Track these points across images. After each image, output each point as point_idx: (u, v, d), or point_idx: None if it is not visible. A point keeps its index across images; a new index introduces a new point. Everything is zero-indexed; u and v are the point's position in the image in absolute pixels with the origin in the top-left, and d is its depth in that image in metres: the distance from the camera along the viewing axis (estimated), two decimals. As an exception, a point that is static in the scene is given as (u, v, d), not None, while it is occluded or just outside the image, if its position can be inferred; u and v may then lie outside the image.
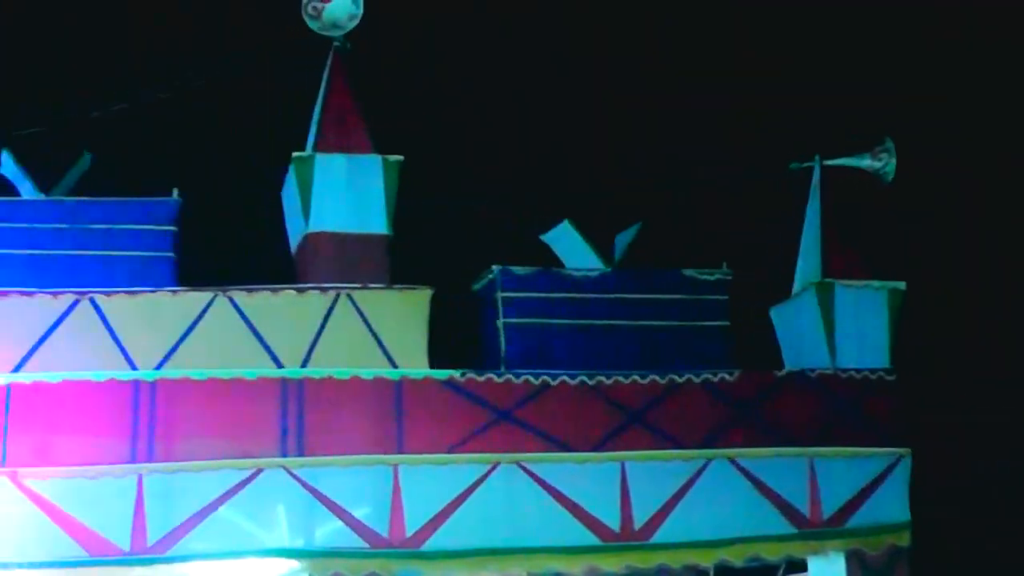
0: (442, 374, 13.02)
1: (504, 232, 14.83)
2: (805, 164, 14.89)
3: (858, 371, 13.90)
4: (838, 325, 14.05)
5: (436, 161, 15.25)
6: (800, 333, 14.40)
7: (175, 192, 13.47)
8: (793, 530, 13.35)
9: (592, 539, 12.93)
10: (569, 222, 14.18)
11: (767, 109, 16.71)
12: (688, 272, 14.05)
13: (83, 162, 13.86)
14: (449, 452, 12.82)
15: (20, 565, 12.10)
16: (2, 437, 12.31)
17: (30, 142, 14.23)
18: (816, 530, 13.40)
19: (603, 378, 13.25)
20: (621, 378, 13.29)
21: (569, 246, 14.10)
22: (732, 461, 13.32)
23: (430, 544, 12.62)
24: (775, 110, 16.72)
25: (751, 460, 13.38)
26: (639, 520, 13.04)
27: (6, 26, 16.16)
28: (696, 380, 13.50)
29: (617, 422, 13.22)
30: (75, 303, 12.84)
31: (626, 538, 12.98)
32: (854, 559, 13.47)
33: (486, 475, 12.82)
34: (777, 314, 14.76)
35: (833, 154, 14.84)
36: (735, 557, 13.19)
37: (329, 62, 14.14)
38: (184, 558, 12.28)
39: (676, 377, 13.42)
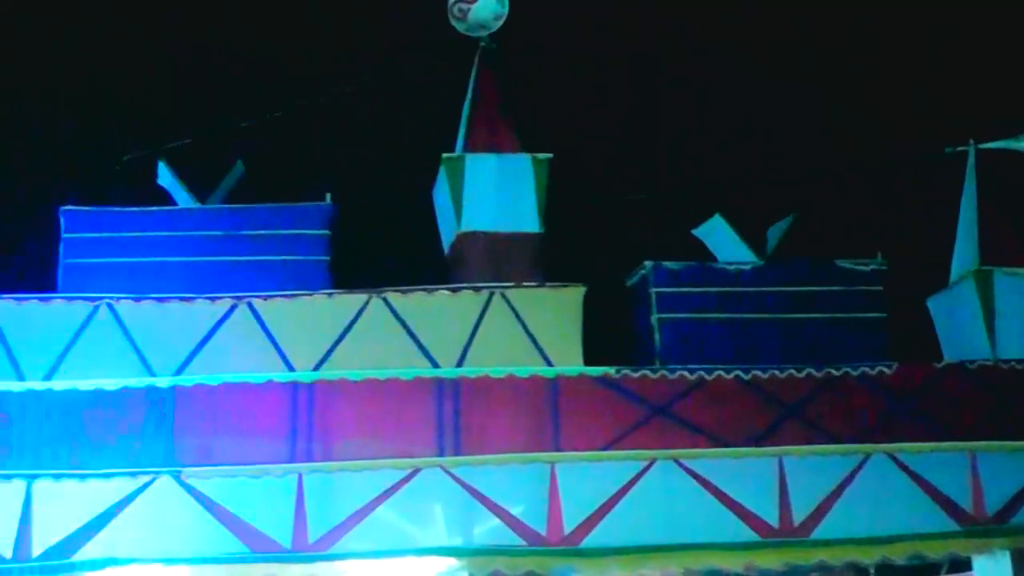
0: (597, 371, 12.98)
1: (656, 227, 14.73)
2: (960, 148, 14.56)
3: (1020, 362, 13.48)
4: (998, 314, 13.69)
5: (586, 157, 15.20)
6: (959, 323, 14.08)
7: (328, 197, 13.71)
8: (956, 527, 12.98)
9: (751, 535, 12.75)
10: (720, 215, 14.10)
11: (919, 94, 16.33)
12: (842, 263, 13.82)
13: (236, 170, 14.15)
14: (605, 449, 12.76)
15: (186, 561, 12.33)
16: (166, 438, 12.58)
17: (184, 152, 14.55)
18: (980, 527, 13.01)
19: (759, 372, 13.07)
20: (777, 372, 13.10)
21: (721, 240, 14.01)
22: (891, 456, 13.02)
23: (588, 541, 12.57)
24: (927, 95, 16.35)
25: (911, 455, 13.05)
26: (798, 516, 12.82)
27: (158, 42, 16.52)
28: (853, 373, 13.24)
29: (774, 416, 13.02)
30: (233, 308, 13.09)
31: (785, 534, 12.77)
32: (1020, 558, 13.07)
33: (643, 472, 12.74)
34: (935, 304, 14.45)
35: (988, 137, 14.52)
36: (897, 555, 12.86)
37: (476, 62, 14.32)
38: (344, 556, 12.41)
39: (833, 370, 13.18)
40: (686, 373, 13.04)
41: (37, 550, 12.22)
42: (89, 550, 12.24)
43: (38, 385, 12.71)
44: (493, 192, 13.56)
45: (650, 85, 16.19)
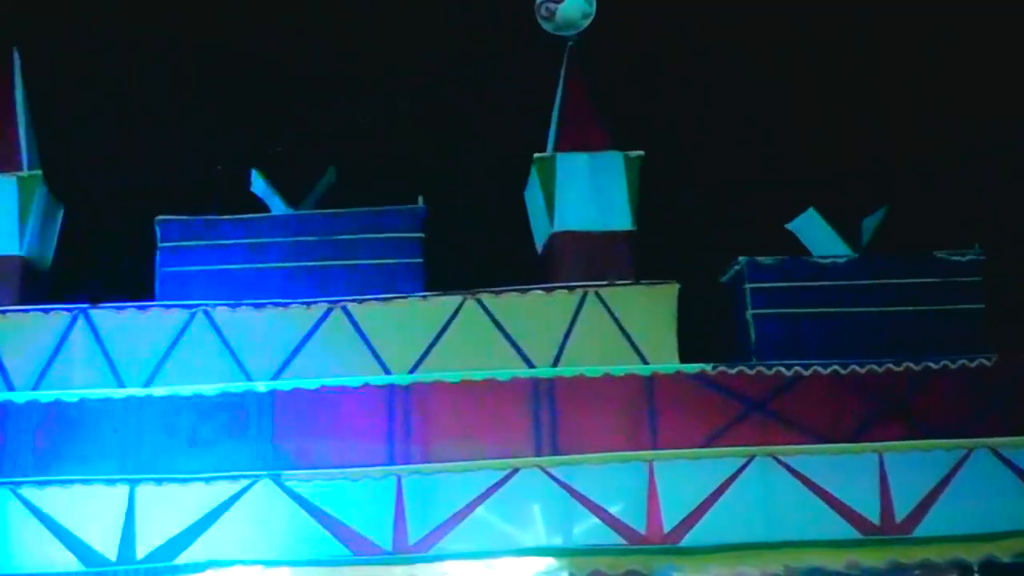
0: (693, 368, 12.92)
1: (749, 222, 14.64)
2: (1052, 132, 14.38)
3: (1125, 351, 13.23)
4: (1102, 303, 13.46)
5: (678, 153, 15.14)
6: (1061, 313, 13.82)
7: (420, 200, 13.77)
8: None
9: (852, 532, 12.60)
10: (814, 209, 13.93)
11: (1017, 80, 16.03)
12: (939, 254, 13.60)
13: (328, 175, 14.25)
14: (703, 447, 12.70)
15: (287, 563, 12.42)
16: (266, 441, 12.72)
17: (277, 159, 14.69)
18: None
19: (856, 366, 12.93)
20: (875, 366, 12.94)
21: (815, 233, 13.84)
22: (994, 451, 12.78)
23: (689, 539, 12.51)
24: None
25: (1013, 449, 12.79)
26: (900, 513, 12.66)
27: (250, 50, 16.69)
28: (952, 366, 13.03)
29: (872, 411, 12.86)
30: (328, 312, 13.21)
31: (887, 531, 12.61)
32: None
33: (741, 469, 12.65)
34: (1036, 294, 14.18)
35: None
36: (1002, 552, 12.53)
37: (564, 61, 14.33)
38: (444, 557, 12.43)
39: (932, 364, 12.99)
40: (783, 369, 12.92)
41: (141, 552, 12.48)
42: (191, 552, 12.44)
43: (139, 391, 12.92)
44: (585, 191, 13.59)
45: (741, 79, 16.11)
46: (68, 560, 12.54)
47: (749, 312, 13.41)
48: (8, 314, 13.43)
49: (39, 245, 14.13)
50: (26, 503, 12.65)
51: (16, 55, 14.46)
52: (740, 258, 13.59)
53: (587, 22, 14.06)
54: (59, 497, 12.64)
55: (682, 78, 16.10)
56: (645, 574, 12.59)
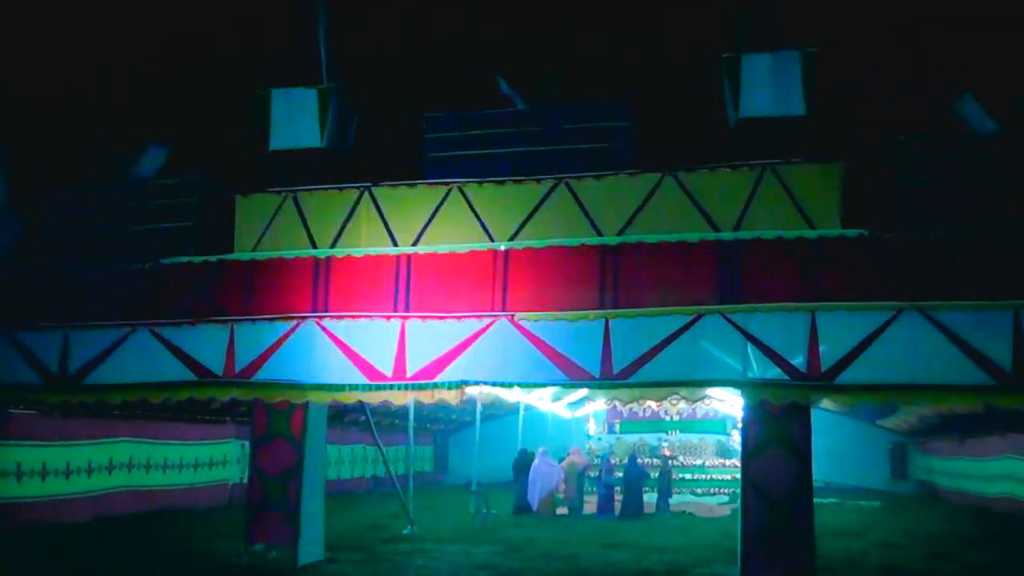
0: (853, 233, 13.93)
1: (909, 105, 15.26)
2: None
3: None
4: None
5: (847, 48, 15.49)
6: None
7: (629, 96, 15.47)
8: None
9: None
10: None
11: None
12: None
13: (557, 74, 16.15)
14: (860, 299, 13.68)
15: (518, 384, 14.54)
16: (503, 289, 14.67)
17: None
18: None
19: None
20: None
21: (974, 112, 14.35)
22: None
23: (843, 378, 13.63)
24: None
25: None
26: None
27: None
28: None
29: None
30: (554, 186, 15.11)
31: None
32: None
33: (892, 319, 13.57)
34: None
35: None
36: None
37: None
38: (640, 384, 14.12)
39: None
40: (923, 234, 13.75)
41: (410, 371, 14.65)
42: (447, 373, 14.54)
43: (408, 250, 15.13)
44: (767, 84, 14.79)
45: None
46: (356, 375, 14.79)
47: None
48: (313, 191, 15.93)
49: (337, 138, 16.43)
50: (327, 331, 14.97)
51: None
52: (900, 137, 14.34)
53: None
54: (350, 328, 14.90)
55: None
56: (804, 404, 13.90)
